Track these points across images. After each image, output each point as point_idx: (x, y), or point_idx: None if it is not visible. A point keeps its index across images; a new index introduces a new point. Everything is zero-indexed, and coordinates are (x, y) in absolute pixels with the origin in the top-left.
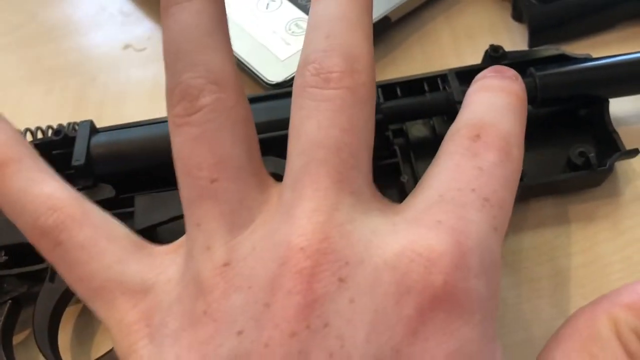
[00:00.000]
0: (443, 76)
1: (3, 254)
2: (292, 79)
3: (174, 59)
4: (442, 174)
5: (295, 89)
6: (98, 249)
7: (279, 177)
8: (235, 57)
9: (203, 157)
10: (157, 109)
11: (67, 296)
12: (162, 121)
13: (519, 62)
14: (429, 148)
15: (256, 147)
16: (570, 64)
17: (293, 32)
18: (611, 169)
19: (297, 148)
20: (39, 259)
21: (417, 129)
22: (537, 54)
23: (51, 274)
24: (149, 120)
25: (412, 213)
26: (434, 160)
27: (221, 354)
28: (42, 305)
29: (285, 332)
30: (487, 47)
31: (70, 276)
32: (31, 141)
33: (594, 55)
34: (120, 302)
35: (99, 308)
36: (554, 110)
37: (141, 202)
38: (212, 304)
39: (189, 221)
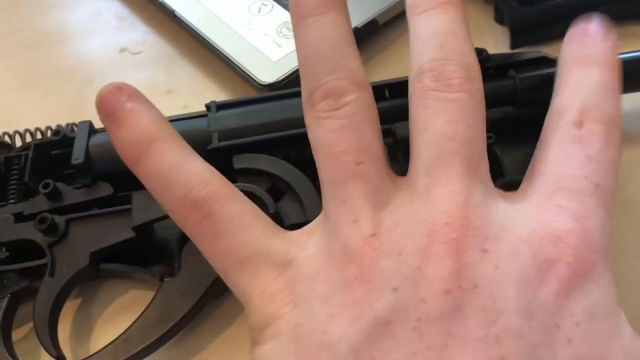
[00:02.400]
0: None
1: (3, 250)
2: (284, 79)
3: (316, 63)
4: (554, 162)
5: (415, 92)
6: (246, 223)
7: (257, 172)
8: (229, 58)
9: (349, 144)
10: None
11: (66, 290)
12: None
13: (501, 65)
14: None
15: (383, 141)
16: (550, 66)
17: (284, 34)
18: None
19: (425, 140)
20: (39, 254)
21: (406, 129)
22: (518, 56)
23: (51, 268)
24: None
25: (535, 200)
26: (539, 145)
27: (378, 307)
28: (43, 299)
29: (440, 289)
30: None
31: (216, 248)
32: (31, 141)
33: None
34: (265, 272)
35: (241, 278)
36: (535, 110)
37: (138, 199)
38: (363, 269)
39: (331, 200)
